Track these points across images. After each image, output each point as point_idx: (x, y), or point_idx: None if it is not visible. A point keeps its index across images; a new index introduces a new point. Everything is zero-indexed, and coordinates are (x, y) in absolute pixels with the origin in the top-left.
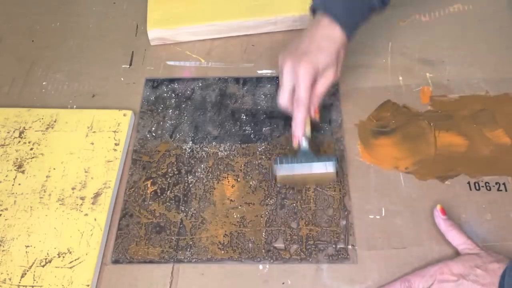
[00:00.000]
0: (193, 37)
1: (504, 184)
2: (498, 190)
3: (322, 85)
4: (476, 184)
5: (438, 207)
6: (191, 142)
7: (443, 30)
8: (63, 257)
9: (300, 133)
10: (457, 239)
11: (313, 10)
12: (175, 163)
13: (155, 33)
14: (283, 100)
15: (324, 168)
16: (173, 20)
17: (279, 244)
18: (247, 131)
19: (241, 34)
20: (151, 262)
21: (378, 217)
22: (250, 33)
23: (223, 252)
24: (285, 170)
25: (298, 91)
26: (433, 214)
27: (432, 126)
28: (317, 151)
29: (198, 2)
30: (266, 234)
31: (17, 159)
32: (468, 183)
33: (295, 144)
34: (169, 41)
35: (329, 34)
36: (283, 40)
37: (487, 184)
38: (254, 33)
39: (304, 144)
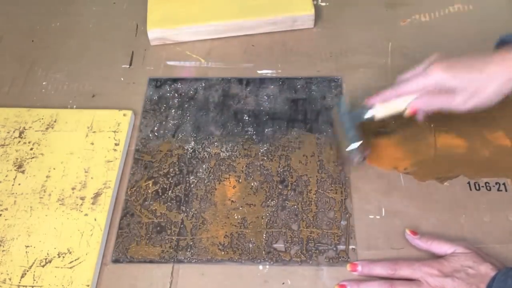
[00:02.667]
0: (193, 37)
1: (504, 184)
2: (498, 190)
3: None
4: (476, 184)
5: (407, 231)
6: (193, 142)
7: (443, 30)
8: (63, 257)
9: (379, 97)
10: (443, 248)
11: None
12: (177, 163)
13: (155, 33)
14: (400, 79)
15: (347, 141)
16: (173, 20)
17: (280, 246)
18: (249, 132)
19: (241, 34)
20: (151, 262)
21: (378, 217)
22: (250, 33)
23: (223, 253)
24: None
25: (412, 81)
26: (407, 239)
27: (432, 127)
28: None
29: (198, 2)
30: (267, 236)
31: (17, 159)
32: (468, 183)
33: (366, 102)
34: (169, 41)
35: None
36: (283, 40)
37: (487, 184)
38: (254, 33)
39: (368, 113)
